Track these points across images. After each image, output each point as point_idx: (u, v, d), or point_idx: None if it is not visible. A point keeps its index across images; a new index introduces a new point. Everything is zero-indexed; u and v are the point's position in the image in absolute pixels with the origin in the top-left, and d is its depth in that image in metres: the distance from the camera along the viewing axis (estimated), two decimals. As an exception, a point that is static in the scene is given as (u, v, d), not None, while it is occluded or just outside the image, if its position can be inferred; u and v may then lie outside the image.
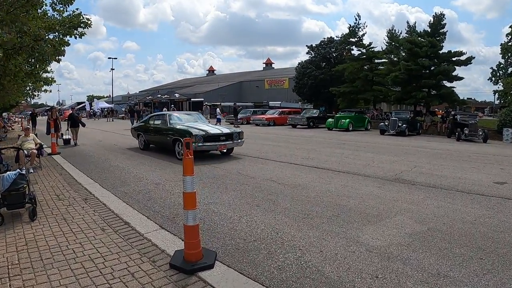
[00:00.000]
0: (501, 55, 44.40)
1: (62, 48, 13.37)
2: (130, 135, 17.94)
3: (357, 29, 40.46)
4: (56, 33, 12.96)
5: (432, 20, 32.85)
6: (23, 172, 10.29)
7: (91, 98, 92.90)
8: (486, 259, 4.58)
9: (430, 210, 6.68)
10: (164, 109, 45.65)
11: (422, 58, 30.30)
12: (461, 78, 32.15)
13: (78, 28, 12.93)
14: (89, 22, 12.91)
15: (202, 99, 57.31)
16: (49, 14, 13.25)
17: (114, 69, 73.43)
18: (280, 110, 40.99)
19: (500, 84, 43.80)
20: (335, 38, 45.70)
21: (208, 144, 12.64)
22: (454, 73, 31.31)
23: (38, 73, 17.15)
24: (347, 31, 42.26)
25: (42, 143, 12.74)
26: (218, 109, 35.96)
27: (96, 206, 7.08)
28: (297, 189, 8.38)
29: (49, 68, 20.68)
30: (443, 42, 32.42)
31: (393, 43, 38.37)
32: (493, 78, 48.09)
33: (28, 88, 26.59)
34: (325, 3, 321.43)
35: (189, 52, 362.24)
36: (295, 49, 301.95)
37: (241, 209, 6.80)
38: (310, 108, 43.16)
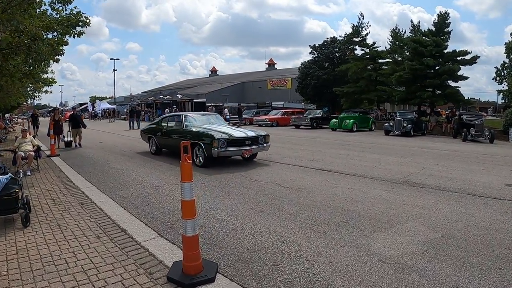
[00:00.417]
0: (506, 54, 43.92)
1: (61, 48, 13.13)
2: (131, 136, 17.69)
3: (360, 29, 40.03)
4: (55, 33, 12.72)
5: (436, 19, 32.55)
6: (21, 175, 10.18)
7: (93, 99, 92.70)
8: (505, 269, 4.28)
9: (443, 215, 6.36)
10: (166, 110, 45.55)
11: (427, 58, 29.93)
12: (466, 78, 31.85)
13: (77, 27, 12.67)
14: (87, 21, 12.68)
15: (205, 99, 56.95)
16: (48, 13, 12.99)
17: (116, 70, 73.71)
18: (283, 110, 40.74)
19: (504, 84, 43.41)
20: (338, 38, 45.39)
21: (232, 149, 11.25)
22: (459, 73, 30.95)
23: (36, 73, 16.87)
24: (349, 31, 41.85)
25: (40, 145, 12.47)
26: (226, 109, 35.50)
27: (93, 211, 6.78)
28: (302, 192, 8.06)
29: (49, 69, 20.52)
30: (448, 41, 32.11)
31: (397, 42, 38.03)
32: (498, 78, 47.61)
33: (28, 89, 26.40)
34: (327, 3, 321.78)
35: (192, 53, 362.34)
36: (298, 49, 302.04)
37: (244, 215, 6.47)
38: (313, 108, 42.80)
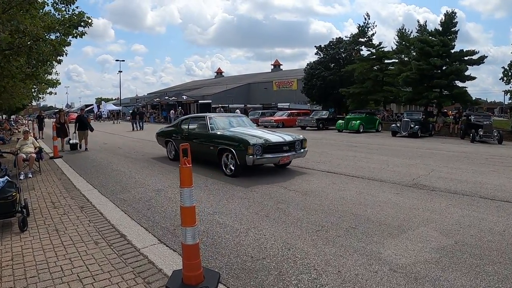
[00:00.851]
0: (512, 53, 43.55)
1: (63, 48, 12.99)
2: (134, 138, 17.38)
3: (366, 29, 39.74)
4: (58, 34, 12.58)
5: (443, 18, 32.17)
6: (21, 177, 10.04)
7: (99, 101, 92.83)
8: None
9: (455, 220, 6.11)
10: (172, 111, 45.39)
11: (434, 58, 29.59)
12: (473, 78, 31.43)
13: (79, 28, 12.52)
14: (90, 21, 12.50)
15: (210, 101, 56.84)
16: (51, 14, 12.85)
17: (122, 72, 73.50)
18: (289, 111, 40.50)
19: (512, 84, 42.89)
20: (344, 38, 45.11)
21: (268, 156, 9.86)
22: (466, 73, 30.58)
23: (39, 74, 16.69)
24: (354, 32, 41.61)
25: (42, 147, 12.30)
26: (238, 110, 35.18)
27: (92, 215, 6.58)
28: (309, 196, 7.81)
29: (53, 70, 20.38)
30: (455, 41, 31.74)
31: (403, 42, 37.69)
32: (505, 78, 47.16)
33: (32, 90, 26.31)
34: (333, 4, 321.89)
35: (197, 54, 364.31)
36: (303, 50, 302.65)
37: (248, 219, 6.23)
38: (319, 109, 42.54)
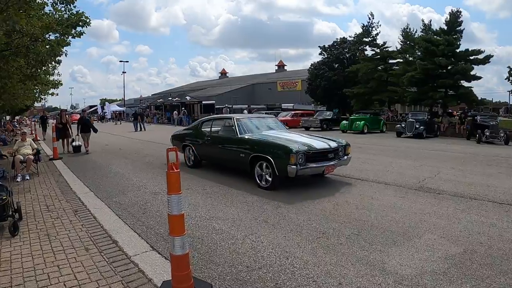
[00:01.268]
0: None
1: (61, 48, 12.81)
2: (135, 139, 17.12)
3: (370, 29, 39.59)
4: (57, 34, 12.41)
5: (448, 17, 31.86)
6: (18, 179, 9.86)
7: (103, 102, 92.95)
8: None
9: (463, 226, 5.83)
10: (175, 112, 45.25)
11: (439, 57, 29.29)
12: (479, 78, 31.11)
13: (77, 27, 12.32)
14: (88, 20, 12.31)
15: (214, 101, 56.65)
16: (49, 14, 12.66)
17: (125, 72, 73.20)
18: (293, 112, 40.26)
19: (517, 83, 42.67)
20: (348, 38, 44.87)
21: (313, 165, 8.38)
22: (472, 72, 30.23)
23: (39, 75, 16.46)
24: (358, 32, 41.50)
25: (39, 149, 12.12)
26: (245, 110, 34.84)
27: (86, 219, 6.37)
28: (310, 200, 7.53)
29: (56, 71, 20.19)
30: (460, 40, 31.42)
31: (408, 42, 37.43)
32: (510, 78, 46.93)
33: (35, 91, 26.16)
34: (337, 4, 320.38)
35: (201, 55, 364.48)
36: (307, 51, 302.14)
37: (246, 225, 5.97)
38: (323, 110, 42.28)
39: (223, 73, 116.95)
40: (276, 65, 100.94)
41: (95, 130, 17.32)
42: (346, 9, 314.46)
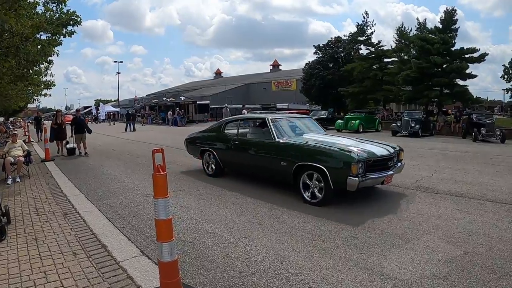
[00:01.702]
0: (515, 51, 43.53)
1: (52, 48, 12.62)
2: (129, 139, 16.80)
3: (365, 27, 39.55)
4: (48, 34, 12.21)
5: (443, 16, 31.79)
6: (9, 182, 9.69)
7: (97, 103, 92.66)
8: None
9: (462, 227, 5.70)
10: (169, 112, 45.06)
11: (434, 56, 29.21)
12: (474, 76, 31.05)
13: (68, 26, 12.13)
14: (79, 19, 12.11)
15: (208, 102, 56.60)
16: (40, 13, 12.47)
17: (120, 73, 73.10)
18: (288, 112, 40.11)
19: (513, 81, 42.97)
20: (343, 37, 44.84)
21: (373, 176, 7.01)
22: (467, 71, 30.16)
23: (30, 75, 16.22)
24: (353, 31, 41.49)
25: (30, 150, 11.92)
26: (245, 110, 34.63)
27: (75, 223, 6.20)
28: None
29: (48, 72, 19.97)
30: (455, 38, 31.35)
31: (403, 41, 37.39)
32: (506, 76, 47.23)
33: (27, 92, 25.93)
34: (331, 4, 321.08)
35: (196, 55, 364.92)
36: (302, 50, 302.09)
37: (239, 228, 5.80)
38: (318, 109, 42.21)
39: (218, 73, 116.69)
40: (270, 65, 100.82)
41: (89, 131, 16.43)
42: (340, 8, 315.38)
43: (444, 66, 30.19)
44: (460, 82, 31.22)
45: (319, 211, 6.61)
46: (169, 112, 45.87)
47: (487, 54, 30.48)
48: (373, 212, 6.54)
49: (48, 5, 12.09)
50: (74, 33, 12.43)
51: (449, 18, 31.34)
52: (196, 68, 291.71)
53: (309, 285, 3.91)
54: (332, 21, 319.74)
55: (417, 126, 24.28)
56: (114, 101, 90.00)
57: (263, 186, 8.69)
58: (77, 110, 25.86)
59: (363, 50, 41.19)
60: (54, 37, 12.39)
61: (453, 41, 30.93)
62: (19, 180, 10.09)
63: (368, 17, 39.56)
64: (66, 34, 12.24)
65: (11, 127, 39.02)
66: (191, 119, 48.19)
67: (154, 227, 5.60)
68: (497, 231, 5.53)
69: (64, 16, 11.98)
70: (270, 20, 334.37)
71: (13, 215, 6.44)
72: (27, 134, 26.87)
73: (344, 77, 39.90)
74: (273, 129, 8.43)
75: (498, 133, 20.93)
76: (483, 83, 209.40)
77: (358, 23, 40.26)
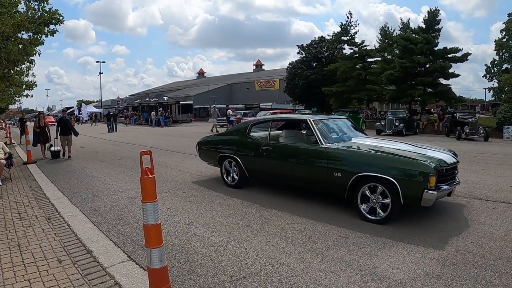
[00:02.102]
0: (496, 51, 44.10)
1: (34, 48, 12.39)
2: (112, 140, 16.47)
3: (349, 27, 39.71)
4: (30, 33, 11.99)
5: (426, 16, 32.05)
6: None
7: (80, 103, 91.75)
8: None
9: (452, 225, 5.72)
10: (153, 113, 44.71)
11: (418, 55, 29.44)
12: (457, 75, 31.38)
13: (50, 25, 11.92)
14: (61, 18, 11.91)
15: (192, 102, 56.40)
16: (22, 12, 12.25)
17: (102, 73, 72.62)
18: (272, 111, 40.07)
19: (495, 81, 43.58)
20: (327, 37, 44.99)
21: (445, 187, 5.99)
22: (450, 70, 30.46)
23: (11, 76, 15.91)
24: (336, 31, 41.64)
25: (12, 152, 11.67)
26: (230, 110, 34.52)
27: (59, 227, 6.02)
28: (293, 200, 7.31)
29: (30, 72, 19.67)
30: (438, 38, 31.63)
31: (386, 40, 37.65)
32: (488, 75, 47.84)
33: (8, 93, 25.52)
34: (314, 4, 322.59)
35: (179, 55, 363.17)
36: (285, 50, 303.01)
37: (228, 230, 5.70)
38: (302, 109, 42.30)
39: (201, 73, 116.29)
40: (254, 65, 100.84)
41: (76, 133, 15.76)
42: (323, 8, 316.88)
43: (428, 65, 30.47)
44: (443, 81, 31.54)
45: (308, 212, 6.54)
46: (152, 112, 45.50)
47: (470, 54, 30.85)
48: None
49: (30, 3, 11.89)
50: (57, 32, 12.24)
51: (433, 18, 31.60)
52: (179, 68, 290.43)
53: (303, 287, 3.84)
54: (315, 21, 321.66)
55: (401, 125, 24.49)
56: (97, 101, 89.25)
57: (248, 187, 8.59)
58: (63, 111, 25.22)
59: (347, 50, 41.50)
60: (36, 36, 12.19)
61: (436, 41, 31.21)
62: (0, 183, 9.82)
63: (351, 17, 39.76)
64: (48, 33, 12.05)
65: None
66: (175, 120, 47.90)
67: (141, 230, 5.52)
68: (486, 228, 5.56)
69: (46, 14, 11.77)
70: (253, 20, 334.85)
71: (-6, 221, 6.21)
72: (8, 136, 26.39)
73: (327, 77, 40.04)
74: (317, 133, 7.05)
75: (481, 131, 21.16)
76: (464, 82, 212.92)
77: (341, 23, 40.46)
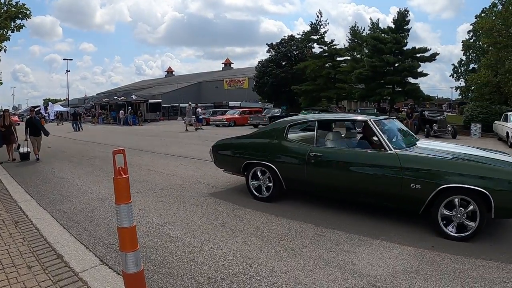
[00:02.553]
0: (463, 51, 45.25)
1: (0, 44, 12.04)
2: (79, 140, 16.04)
3: (318, 26, 39.97)
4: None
5: (396, 16, 32.60)
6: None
7: (46, 102, 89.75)
8: (510, 282, 3.78)
9: (426, 220, 5.67)
10: (121, 111, 44.07)
11: (387, 55, 29.92)
12: (425, 74, 32.29)
13: (17, 20, 11.59)
14: (28, 12, 11.55)
15: (160, 100, 55.93)
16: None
17: (69, 71, 71.24)
18: (241, 110, 40.06)
19: (462, 80, 44.82)
20: (296, 36, 45.23)
21: None
22: (418, 70, 31.06)
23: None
24: (305, 30, 41.94)
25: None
26: (199, 109, 34.27)
27: (27, 231, 5.77)
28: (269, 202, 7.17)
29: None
30: (407, 38, 32.21)
31: (356, 40, 38.09)
32: (455, 75, 49.17)
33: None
34: (283, 3, 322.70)
35: (147, 53, 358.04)
36: (254, 49, 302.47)
37: (202, 230, 5.58)
38: (271, 107, 42.41)
39: (169, 72, 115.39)
40: (222, 63, 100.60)
41: (46, 133, 14.94)
42: (292, 7, 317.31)
43: (397, 64, 31.05)
44: (412, 80, 32.16)
45: (282, 210, 6.49)
46: (121, 111, 44.81)
47: (438, 54, 31.65)
48: (336, 209, 6.48)
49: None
50: (23, 27, 11.89)
51: (402, 19, 32.18)
52: (147, 66, 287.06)
53: (283, 287, 3.78)
54: (284, 20, 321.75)
55: (370, 123, 24.70)
56: (64, 100, 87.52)
57: (221, 188, 8.50)
58: (31, 110, 24.26)
59: (316, 49, 41.83)
60: (1, 31, 11.83)
61: (405, 41, 31.82)
62: (-37, 186, 9.50)
63: (321, 16, 40.08)
64: (15, 29, 11.67)
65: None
66: (144, 119, 47.41)
67: (113, 233, 5.39)
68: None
69: (13, 8, 11.41)
70: (222, 19, 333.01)
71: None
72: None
73: (297, 75, 40.26)
74: (382, 136, 5.90)
75: (449, 129, 21.72)
76: (431, 81, 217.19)
77: (311, 22, 40.84)
